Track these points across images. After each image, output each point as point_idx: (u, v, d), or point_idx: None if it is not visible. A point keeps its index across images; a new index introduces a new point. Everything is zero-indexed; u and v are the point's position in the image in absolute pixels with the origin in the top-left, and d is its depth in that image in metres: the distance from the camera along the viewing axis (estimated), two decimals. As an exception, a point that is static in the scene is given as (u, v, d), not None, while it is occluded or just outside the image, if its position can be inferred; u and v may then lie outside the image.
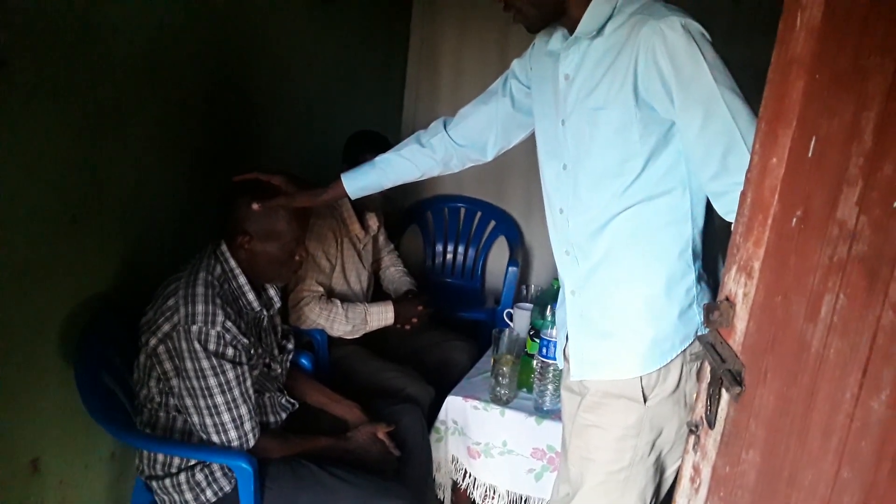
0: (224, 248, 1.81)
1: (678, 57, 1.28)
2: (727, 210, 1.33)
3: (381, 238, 2.84)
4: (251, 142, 2.47)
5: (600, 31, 1.38)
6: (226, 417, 1.70)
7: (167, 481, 1.78)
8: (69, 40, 1.65)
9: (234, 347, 1.71)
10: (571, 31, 1.42)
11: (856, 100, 0.76)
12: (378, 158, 1.79)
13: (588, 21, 1.38)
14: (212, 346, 1.67)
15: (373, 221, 2.66)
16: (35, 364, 1.70)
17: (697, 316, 1.46)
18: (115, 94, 1.81)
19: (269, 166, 1.87)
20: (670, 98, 1.31)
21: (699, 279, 1.46)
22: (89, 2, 1.69)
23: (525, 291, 2.76)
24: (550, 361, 2.08)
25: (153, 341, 1.70)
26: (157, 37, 1.91)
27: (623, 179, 1.40)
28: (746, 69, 1.58)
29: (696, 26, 1.29)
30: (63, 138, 1.68)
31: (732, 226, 1.14)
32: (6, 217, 1.57)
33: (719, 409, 1.07)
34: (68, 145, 1.70)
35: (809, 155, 0.86)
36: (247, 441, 1.74)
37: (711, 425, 1.08)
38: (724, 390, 1.04)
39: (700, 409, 1.14)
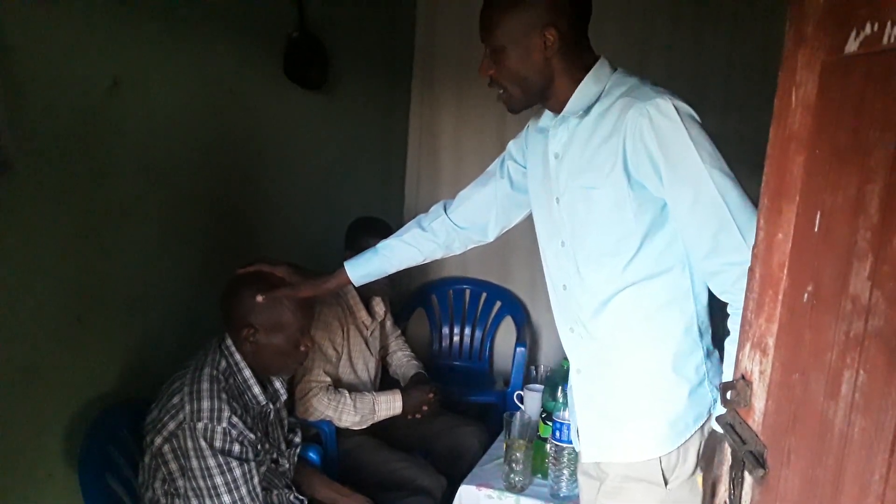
0: (229, 341, 1.79)
1: (665, 137, 1.28)
2: (721, 290, 1.32)
3: (389, 323, 2.81)
4: (255, 233, 2.48)
5: (588, 110, 1.40)
6: (233, 518, 1.65)
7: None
8: (73, 142, 1.68)
9: (241, 444, 1.67)
10: (558, 112, 1.44)
11: (858, 174, 0.76)
12: (380, 244, 1.79)
13: (577, 101, 1.40)
14: (218, 444, 1.63)
15: (379, 307, 2.64)
16: (39, 468, 1.67)
17: (709, 394, 1.43)
18: (119, 193, 1.83)
19: (273, 257, 1.87)
20: (659, 178, 1.31)
21: (708, 355, 1.44)
22: (92, 105, 1.72)
23: (534, 372, 2.72)
24: (565, 445, 2.03)
25: (158, 440, 1.66)
26: (158, 135, 1.94)
27: (621, 258, 1.40)
28: (742, 142, 1.60)
29: (684, 107, 1.30)
30: (67, 238, 1.69)
31: (740, 302, 1.12)
32: (10, 318, 1.56)
33: (743, 493, 1.03)
34: (72, 245, 1.71)
35: (815, 230, 0.85)
36: (255, 542, 1.69)
37: (736, 510, 1.04)
38: (746, 473, 1.01)
39: (723, 493, 1.10)
